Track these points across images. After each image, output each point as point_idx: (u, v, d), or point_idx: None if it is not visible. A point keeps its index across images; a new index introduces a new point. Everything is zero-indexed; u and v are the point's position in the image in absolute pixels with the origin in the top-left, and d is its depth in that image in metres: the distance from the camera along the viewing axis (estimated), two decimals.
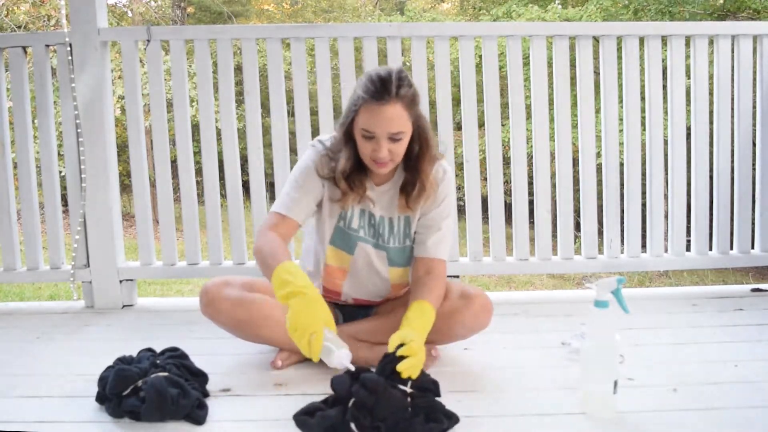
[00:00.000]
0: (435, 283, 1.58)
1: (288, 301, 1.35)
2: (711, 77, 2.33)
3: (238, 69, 2.38)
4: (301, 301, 1.33)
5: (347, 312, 1.76)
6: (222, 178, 2.34)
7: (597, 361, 1.32)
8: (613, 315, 1.30)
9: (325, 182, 1.62)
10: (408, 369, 1.33)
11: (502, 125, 2.39)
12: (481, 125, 2.32)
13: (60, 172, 2.33)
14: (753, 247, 2.42)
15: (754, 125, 2.39)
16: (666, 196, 2.40)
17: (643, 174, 2.36)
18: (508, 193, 2.52)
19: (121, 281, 2.28)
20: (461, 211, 2.30)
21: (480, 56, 2.49)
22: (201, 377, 1.48)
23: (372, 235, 1.67)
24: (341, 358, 1.31)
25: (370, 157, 1.53)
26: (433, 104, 2.29)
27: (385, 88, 1.48)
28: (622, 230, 2.36)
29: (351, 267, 1.68)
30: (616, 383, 1.30)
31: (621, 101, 2.33)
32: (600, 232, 2.38)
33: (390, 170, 1.61)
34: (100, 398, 1.38)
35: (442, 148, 1.65)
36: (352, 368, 1.33)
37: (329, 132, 2.23)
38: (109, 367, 1.42)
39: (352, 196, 1.60)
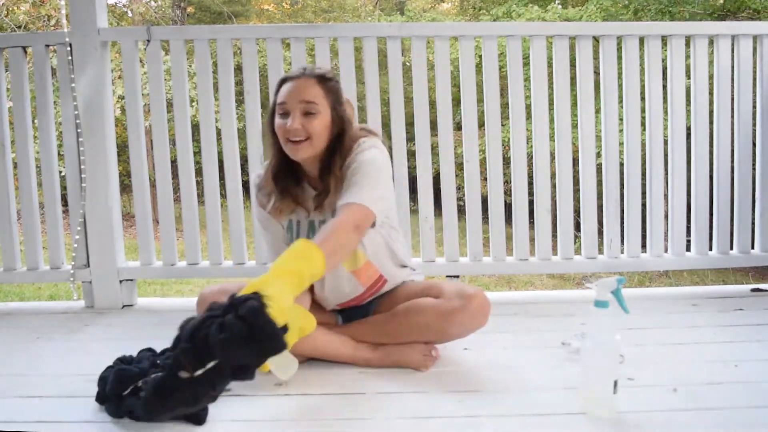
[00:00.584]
0: (333, 224, 1.42)
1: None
2: (711, 77, 2.33)
3: (238, 69, 2.38)
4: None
5: (345, 314, 1.75)
6: (222, 178, 2.34)
7: (597, 361, 1.32)
8: (613, 315, 1.30)
9: (272, 215, 1.64)
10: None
11: (502, 125, 2.39)
12: (481, 125, 2.32)
13: (60, 172, 2.33)
14: (753, 247, 2.42)
15: (754, 125, 2.39)
16: (666, 196, 2.40)
17: (643, 174, 2.36)
18: (508, 193, 2.52)
19: (121, 281, 2.28)
20: (461, 211, 2.31)
21: (480, 56, 2.49)
22: None
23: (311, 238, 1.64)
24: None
25: (285, 136, 1.52)
26: (433, 104, 2.29)
27: (303, 69, 1.56)
28: (622, 230, 2.36)
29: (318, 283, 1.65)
30: (616, 383, 1.30)
31: (621, 101, 2.33)
32: (600, 232, 2.38)
33: (309, 156, 1.54)
34: (100, 398, 1.38)
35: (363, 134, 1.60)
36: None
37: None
38: (109, 367, 1.42)
39: (288, 200, 1.60)
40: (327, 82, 1.56)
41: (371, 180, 1.50)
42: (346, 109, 1.61)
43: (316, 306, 1.71)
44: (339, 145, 1.56)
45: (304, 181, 1.65)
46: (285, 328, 1.18)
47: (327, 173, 1.57)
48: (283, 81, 1.58)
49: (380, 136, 1.65)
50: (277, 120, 1.54)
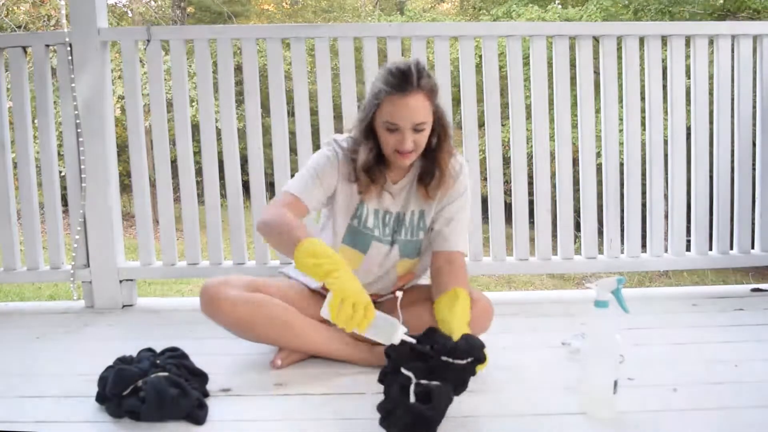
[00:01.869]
0: (458, 271, 1.61)
1: (329, 276, 1.33)
2: (711, 77, 2.33)
3: (238, 69, 2.38)
4: (345, 274, 1.34)
5: None
6: (222, 178, 2.34)
7: (597, 361, 1.32)
8: (613, 315, 1.30)
9: (341, 180, 1.64)
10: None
11: (502, 125, 2.39)
12: (481, 125, 2.32)
13: (60, 172, 2.33)
14: (753, 247, 2.42)
15: (754, 125, 2.39)
16: (666, 196, 2.40)
17: (643, 174, 2.36)
18: (508, 193, 2.51)
19: (121, 281, 2.28)
20: None
21: (480, 56, 2.48)
22: (201, 377, 1.48)
23: (387, 233, 1.68)
24: (402, 331, 1.31)
25: (393, 149, 1.55)
26: None
27: (406, 79, 1.51)
28: (622, 230, 2.36)
29: (362, 265, 1.69)
30: (616, 383, 1.30)
31: (621, 101, 2.33)
32: (600, 232, 2.38)
33: (409, 164, 1.62)
34: (100, 398, 1.38)
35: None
36: (413, 341, 1.32)
37: (329, 132, 2.24)
38: (109, 367, 1.42)
39: (374, 189, 1.62)
40: (431, 88, 1.57)
41: (466, 226, 1.72)
42: (441, 107, 1.63)
43: (316, 303, 1.71)
44: (437, 144, 1.62)
45: (389, 170, 1.67)
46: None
47: (430, 161, 1.63)
48: (394, 87, 1.51)
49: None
50: (386, 133, 1.55)
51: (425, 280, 1.82)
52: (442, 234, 1.67)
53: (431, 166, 1.64)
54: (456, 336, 1.39)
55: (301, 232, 1.43)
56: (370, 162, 1.60)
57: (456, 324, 1.45)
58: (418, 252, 1.73)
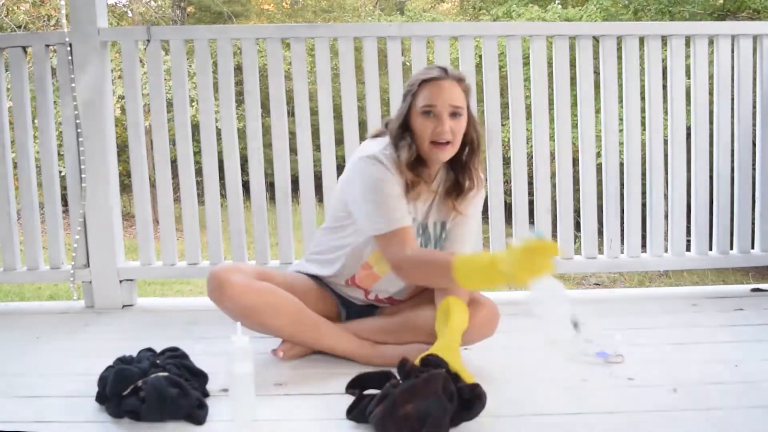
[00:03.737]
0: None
1: (496, 267, 1.36)
2: (711, 77, 2.33)
3: (238, 69, 2.38)
4: (502, 254, 1.36)
5: (353, 310, 1.76)
6: (222, 178, 2.34)
7: (548, 307, 1.32)
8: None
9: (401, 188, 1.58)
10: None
11: (502, 125, 2.39)
12: (481, 125, 2.32)
13: (60, 172, 2.33)
14: (753, 247, 2.42)
15: (754, 125, 2.39)
16: (666, 196, 2.40)
17: (643, 174, 2.36)
18: (508, 193, 2.52)
19: (121, 281, 2.28)
20: None
21: (480, 56, 2.48)
22: (201, 377, 1.48)
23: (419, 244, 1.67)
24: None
25: (430, 138, 1.54)
26: None
27: (442, 69, 1.56)
28: (622, 230, 2.36)
29: (389, 273, 1.64)
30: (575, 323, 1.30)
31: (621, 101, 2.33)
32: (600, 232, 2.38)
33: (450, 157, 1.59)
34: (100, 398, 1.38)
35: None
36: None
37: (329, 132, 2.25)
38: (109, 367, 1.42)
39: (421, 185, 1.59)
40: (466, 86, 1.59)
41: (474, 232, 1.73)
42: (473, 114, 1.63)
43: (322, 298, 1.72)
44: (471, 148, 1.62)
45: (424, 174, 1.62)
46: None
47: (461, 172, 1.63)
48: (424, 80, 1.55)
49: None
50: (423, 120, 1.54)
51: None
52: (453, 238, 1.67)
53: (462, 177, 1.63)
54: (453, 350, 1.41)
55: (441, 255, 1.53)
56: (412, 158, 1.56)
57: (450, 336, 1.46)
58: None
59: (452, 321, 1.48)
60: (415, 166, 1.57)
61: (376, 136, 1.70)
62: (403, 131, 1.58)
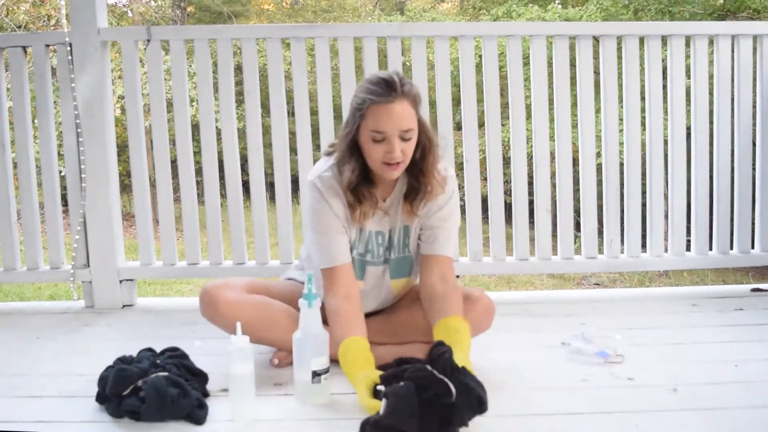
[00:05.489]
0: (452, 292, 1.58)
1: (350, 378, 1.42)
2: (711, 77, 2.33)
3: (238, 69, 2.38)
4: (356, 380, 1.39)
5: None
6: (222, 178, 2.34)
7: (301, 351, 1.40)
8: (316, 309, 1.40)
9: (341, 216, 1.58)
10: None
11: (502, 125, 2.39)
12: (481, 125, 2.32)
13: (60, 172, 2.33)
14: (753, 247, 2.42)
15: (754, 125, 2.39)
16: (666, 196, 2.40)
17: (643, 174, 2.36)
18: (508, 193, 2.52)
19: (121, 281, 2.28)
20: (461, 211, 2.29)
21: (480, 56, 2.48)
22: (201, 377, 1.48)
23: (380, 254, 1.66)
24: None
25: (381, 161, 1.50)
26: (433, 104, 2.29)
27: (390, 86, 1.48)
28: (622, 230, 2.36)
29: (362, 288, 1.65)
30: (314, 373, 1.38)
31: (621, 101, 2.33)
32: (600, 232, 2.38)
33: (398, 176, 1.57)
34: (100, 398, 1.38)
35: (442, 143, 1.63)
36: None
37: (329, 132, 2.25)
38: (109, 367, 1.42)
39: (363, 209, 1.57)
40: (416, 97, 1.54)
41: (457, 226, 1.71)
42: (423, 118, 1.59)
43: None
44: (423, 157, 1.57)
45: (375, 188, 1.61)
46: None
47: (415, 176, 1.59)
48: (378, 95, 1.48)
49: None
50: (372, 145, 1.50)
51: None
52: (431, 240, 1.64)
53: (418, 180, 1.59)
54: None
55: (342, 326, 1.50)
56: (354, 181, 1.54)
57: (462, 357, 1.41)
58: (409, 271, 1.70)
59: (460, 343, 1.46)
60: (361, 186, 1.56)
61: (330, 153, 1.66)
62: (351, 152, 1.55)
